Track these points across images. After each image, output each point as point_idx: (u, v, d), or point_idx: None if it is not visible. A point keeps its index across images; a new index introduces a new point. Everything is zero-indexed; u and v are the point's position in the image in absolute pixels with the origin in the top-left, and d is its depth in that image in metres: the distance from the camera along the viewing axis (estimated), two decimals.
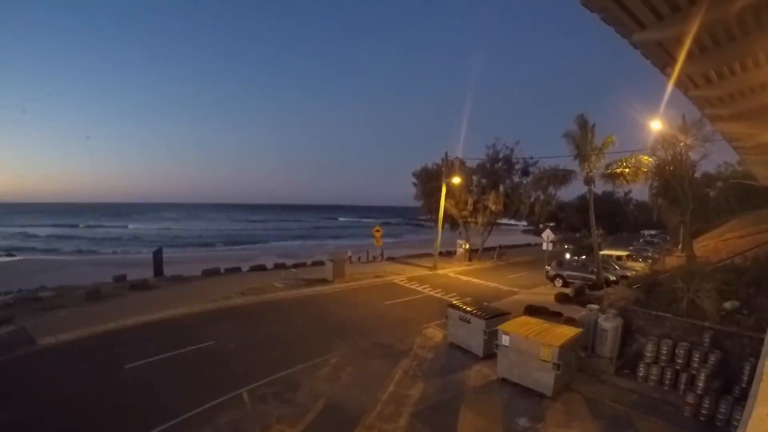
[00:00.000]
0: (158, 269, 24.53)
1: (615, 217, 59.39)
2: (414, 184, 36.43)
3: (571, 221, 57.79)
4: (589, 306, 13.57)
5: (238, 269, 26.60)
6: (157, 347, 12.64)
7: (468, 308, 13.33)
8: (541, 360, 9.97)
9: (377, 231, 29.77)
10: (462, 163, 33.18)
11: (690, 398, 9.43)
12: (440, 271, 28.50)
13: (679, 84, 9.24)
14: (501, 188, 33.18)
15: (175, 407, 9.20)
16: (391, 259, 33.92)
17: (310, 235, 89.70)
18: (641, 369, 10.86)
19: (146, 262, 28.50)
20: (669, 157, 18.28)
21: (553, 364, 9.75)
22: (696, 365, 10.06)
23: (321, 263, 27.34)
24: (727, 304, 10.82)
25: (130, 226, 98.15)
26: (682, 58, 7.24)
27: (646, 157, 21.50)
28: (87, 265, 38.33)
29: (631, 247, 37.52)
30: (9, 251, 49.82)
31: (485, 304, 15.21)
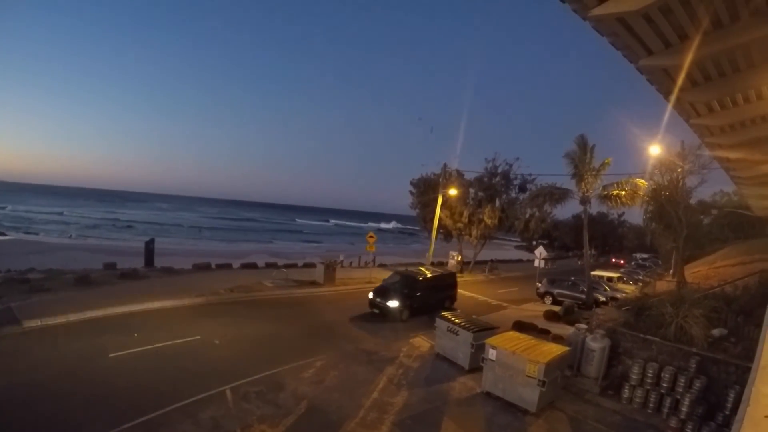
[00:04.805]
0: (149, 259, 24.37)
1: (608, 239, 59.74)
2: (411, 192, 36.51)
3: (564, 240, 58.06)
4: (577, 325, 13.61)
5: (228, 265, 26.47)
6: (142, 338, 12.54)
7: (456, 320, 13.33)
8: (527, 376, 9.97)
9: (371, 237, 29.73)
10: (460, 174, 33.35)
11: (673, 422, 9.49)
12: None
13: (681, 111, 9.37)
14: (497, 202, 33.36)
15: (158, 399, 9.12)
16: (382, 265, 33.86)
17: (302, 236, 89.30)
18: (626, 391, 10.90)
19: (137, 251, 28.33)
20: (665, 182, 18.40)
21: (539, 380, 9.76)
22: (681, 390, 10.11)
23: (312, 265, 27.29)
24: (715, 331, 10.89)
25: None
26: (686, 86, 7.35)
27: (642, 181, 21.70)
28: (78, 249, 38.06)
29: (622, 270, 37.78)
30: (0, 231, 49.31)
31: (474, 317, 15.20)
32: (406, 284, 18.75)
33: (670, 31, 6.25)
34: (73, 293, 16.31)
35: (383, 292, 18.41)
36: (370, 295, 18.58)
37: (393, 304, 17.54)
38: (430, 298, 18.93)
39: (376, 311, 18.04)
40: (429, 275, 19.76)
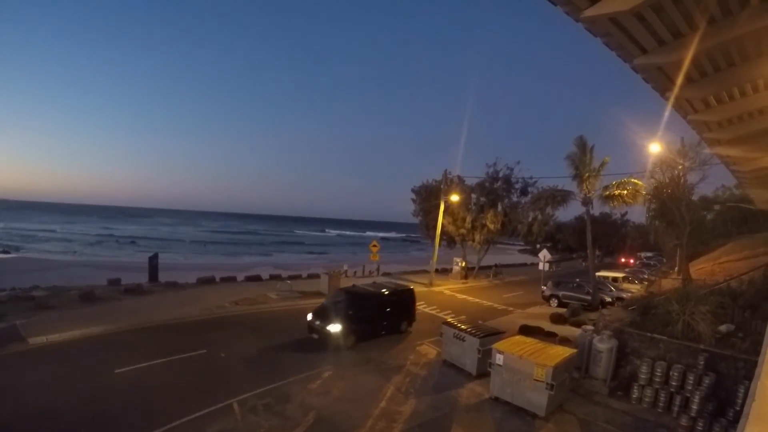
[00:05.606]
0: (153, 275, 24.40)
1: (612, 239, 59.51)
2: (413, 200, 36.51)
3: (568, 242, 57.88)
4: (584, 327, 13.53)
5: (233, 278, 26.45)
6: (148, 353, 12.51)
7: (462, 326, 13.29)
8: (535, 380, 9.90)
9: (374, 246, 29.74)
10: (461, 180, 33.38)
11: (684, 421, 9.39)
12: (436, 288, 28.39)
13: (678, 108, 9.39)
14: (499, 207, 33.33)
15: (164, 415, 9.08)
16: (387, 274, 33.78)
17: (304, 248, 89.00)
18: (635, 391, 10.82)
19: (141, 266, 28.35)
20: (667, 180, 18.37)
21: (547, 384, 9.69)
22: (690, 388, 10.03)
23: (316, 276, 27.23)
24: (722, 327, 10.83)
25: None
26: (682, 82, 7.37)
27: (639, 182, 21.74)
28: (82, 266, 38.07)
29: (627, 269, 37.63)
30: (4, 248, 49.43)
31: (480, 322, 15.13)
32: (351, 303, 15.35)
33: (663, 29, 6.28)
34: (78, 310, 16.35)
35: (323, 313, 15.08)
36: (309, 316, 15.26)
37: (334, 328, 14.28)
38: (382, 320, 16.06)
39: (315, 336, 14.82)
40: (380, 291, 16.71)
